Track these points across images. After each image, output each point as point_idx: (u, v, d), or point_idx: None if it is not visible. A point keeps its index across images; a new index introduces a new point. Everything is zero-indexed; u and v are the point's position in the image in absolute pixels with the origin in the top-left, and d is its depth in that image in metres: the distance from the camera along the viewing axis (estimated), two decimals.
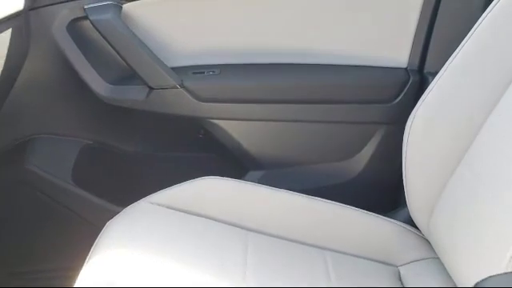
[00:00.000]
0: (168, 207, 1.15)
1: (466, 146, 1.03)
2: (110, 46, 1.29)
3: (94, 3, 1.26)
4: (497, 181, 0.93)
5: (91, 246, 1.07)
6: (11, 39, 1.17)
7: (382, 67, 1.34)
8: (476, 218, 0.93)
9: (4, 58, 1.16)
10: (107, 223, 1.11)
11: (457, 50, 1.06)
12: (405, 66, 1.33)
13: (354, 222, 1.20)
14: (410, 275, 1.09)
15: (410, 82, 1.30)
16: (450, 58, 1.06)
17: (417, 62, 1.33)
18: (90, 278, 0.94)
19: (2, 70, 1.15)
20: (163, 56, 1.34)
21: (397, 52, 1.33)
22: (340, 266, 1.09)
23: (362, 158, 1.41)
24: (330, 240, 1.15)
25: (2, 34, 1.12)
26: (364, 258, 1.14)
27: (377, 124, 1.36)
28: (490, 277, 0.68)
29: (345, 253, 1.13)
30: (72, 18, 1.29)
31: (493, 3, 1.02)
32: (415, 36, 1.31)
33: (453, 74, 1.07)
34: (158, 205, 1.14)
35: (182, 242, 1.04)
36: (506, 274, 0.76)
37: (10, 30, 1.14)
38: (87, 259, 1.01)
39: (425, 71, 1.30)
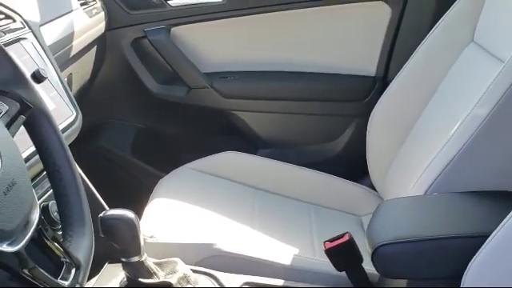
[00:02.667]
0: (200, 171, 1.50)
1: (409, 129, 1.37)
2: (161, 57, 1.68)
3: (151, 27, 1.66)
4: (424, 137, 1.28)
5: (144, 198, 1.37)
6: (96, 53, 1.58)
7: (357, 75, 1.68)
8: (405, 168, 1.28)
9: (92, 65, 1.57)
10: (159, 181, 1.46)
11: (406, 63, 1.41)
12: (373, 75, 1.67)
13: (332, 185, 1.53)
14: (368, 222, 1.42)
15: (376, 86, 1.64)
16: (401, 69, 1.42)
17: (382, 72, 1.66)
18: (151, 221, 1.24)
19: (90, 74, 1.57)
20: (199, 65, 1.71)
21: (367, 65, 1.67)
22: (319, 215, 1.43)
23: (341, 140, 1.74)
24: (314, 197, 1.48)
25: (89, 53, 1.53)
26: (337, 210, 1.47)
27: (352, 116, 1.70)
28: (386, 201, 1.02)
29: (323, 206, 1.47)
30: (135, 37, 1.68)
31: (432, 29, 1.38)
32: (381, 53, 1.65)
33: (401, 81, 1.42)
34: (194, 170, 1.49)
35: (212, 196, 1.39)
36: (398, 198, 1.08)
37: (95, 47, 1.56)
38: (147, 207, 1.32)
39: (388, 78, 1.62)
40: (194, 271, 1.08)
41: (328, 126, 1.74)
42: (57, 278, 0.59)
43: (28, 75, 0.75)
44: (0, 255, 0.53)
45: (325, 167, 1.58)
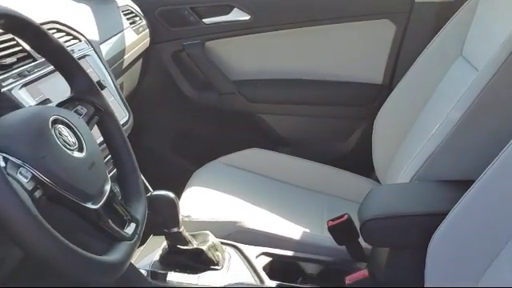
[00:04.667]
0: (229, 165, 1.68)
1: (407, 131, 1.53)
2: (196, 67, 1.89)
3: (188, 42, 1.87)
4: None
5: (180, 187, 1.52)
6: (142, 64, 1.81)
7: (365, 83, 1.85)
8: (401, 163, 1.42)
9: (138, 75, 1.80)
10: (194, 173, 1.65)
11: (406, 73, 1.58)
12: (380, 83, 1.84)
13: (342, 178, 1.70)
14: None
15: (382, 93, 1.78)
16: (402, 78, 1.59)
17: (388, 80, 1.83)
18: (187, 204, 1.41)
19: (137, 82, 1.80)
20: (228, 73, 1.91)
21: (375, 74, 1.84)
22: (330, 203, 1.59)
23: (351, 140, 1.91)
24: (325, 188, 1.65)
25: (136, 64, 1.76)
26: (345, 199, 1.61)
27: (361, 119, 1.87)
28: (375, 187, 1.20)
29: (334, 196, 1.63)
30: (174, 50, 1.90)
31: (429, 43, 1.53)
32: (387, 63, 1.82)
33: (402, 89, 1.60)
34: (223, 163, 1.69)
35: (238, 185, 1.58)
36: (386, 185, 1.24)
37: (141, 59, 1.80)
38: (183, 194, 1.49)
39: (392, 86, 1.74)
40: (222, 243, 1.31)
41: (340, 127, 1.91)
42: (122, 230, 0.83)
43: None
44: (87, 210, 0.76)
45: (336, 163, 1.74)
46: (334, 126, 1.92)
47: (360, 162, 1.74)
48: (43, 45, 0.89)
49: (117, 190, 0.92)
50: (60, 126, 0.79)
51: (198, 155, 1.78)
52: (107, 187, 0.83)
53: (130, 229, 0.84)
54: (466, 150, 1.17)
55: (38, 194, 0.69)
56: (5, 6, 0.81)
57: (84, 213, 0.76)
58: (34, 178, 0.70)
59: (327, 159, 1.78)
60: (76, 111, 0.89)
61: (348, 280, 1.09)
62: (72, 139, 0.80)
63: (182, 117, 2.01)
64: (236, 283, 1.14)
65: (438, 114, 1.40)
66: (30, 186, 0.69)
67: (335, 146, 1.93)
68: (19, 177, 0.68)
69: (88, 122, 0.89)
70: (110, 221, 0.80)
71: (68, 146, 0.78)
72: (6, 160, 0.69)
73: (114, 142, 0.95)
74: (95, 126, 0.94)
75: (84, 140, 0.82)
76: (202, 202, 1.47)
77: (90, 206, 0.77)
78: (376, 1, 1.79)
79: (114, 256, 0.76)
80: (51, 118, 0.78)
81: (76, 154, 0.79)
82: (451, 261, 0.97)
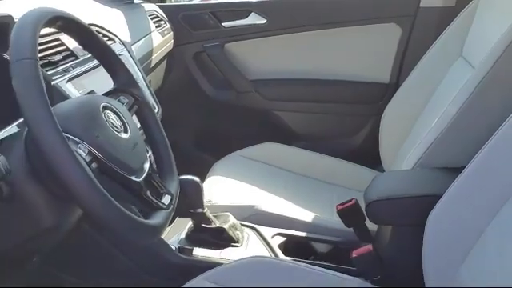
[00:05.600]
0: (246, 157, 1.80)
1: (411, 126, 1.64)
2: (216, 67, 2.03)
3: (208, 44, 2.01)
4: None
5: (202, 177, 1.53)
6: (166, 64, 1.95)
7: (373, 82, 1.98)
8: (405, 155, 1.51)
9: (163, 74, 1.94)
10: (214, 164, 1.76)
11: (411, 73, 1.68)
12: (387, 82, 1.96)
13: (351, 170, 1.80)
14: None
15: (389, 91, 1.91)
16: (407, 78, 1.69)
17: (394, 79, 1.95)
18: (208, 190, 1.51)
19: (162, 80, 1.93)
20: (245, 73, 2.04)
21: (382, 74, 1.96)
22: (340, 192, 1.69)
23: (360, 135, 2.03)
24: (336, 179, 1.76)
25: (161, 64, 1.90)
26: (354, 189, 1.70)
27: (369, 116, 1.99)
28: (380, 174, 1.32)
29: (343, 186, 1.74)
30: (196, 51, 2.03)
31: (432, 45, 1.64)
32: (393, 64, 1.94)
33: (406, 87, 1.70)
34: (241, 156, 1.80)
35: (254, 175, 1.69)
36: (390, 171, 1.35)
37: (166, 59, 1.93)
38: (205, 182, 1.59)
39: (398, 85, 1.81)
40: (241, 225, 1.44)
41: (349, 123, 2.03)
42: (159, 201, 0.96)
43: None
44: (131, 182, 0.90)
45: (346, 156, 1.85)
46: (343, 122, 2.04)
47: (368, 155, 1.84)
48: (91, 43, 1.03)
49: (154, 168, 1.05)
50: (108, 111, 0.93)
51: (218, 148, 1.90)
52: (147, 165, 0.96)
53: (165, 200, 0.97)
54: (462, 140, 1.27)
55: (93, 166, 0.83)
56: (60, 9, 0.95)
57: (129, 184, 0.90)
58: (89, 153, 0.84)
59: (337, 153, 1.89)
60: (119, 100, 1.02)
61: (354, 253, 1.20)
62: (118, 123, 0.93)
63: (203, 113, 2.14)
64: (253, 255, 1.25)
65: (438, 110, 1.48)
66: (87, 159, 0.82)
67: (345, 141, 2.05)
68: (79, 151, 0.82)
69: (129, 110, 1.03)
70: (149, 192, 0.93)
71: (115, 129, 0.91)
72: (67, 138, 0.82)
73: (151, 128, 1.09)
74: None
75: (128, 124, 0.96)
76: (222, 190, 1.59)
77: (133, 178, 0.90)
78: (383, 6, 1.92)
79: (154, 221, 0.90)
80: (101, 105, 0.92)
81: (122, 135, 0.92)
82: (444, 237, 1.08)
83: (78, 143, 0.83)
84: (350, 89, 2.00)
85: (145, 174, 0.94)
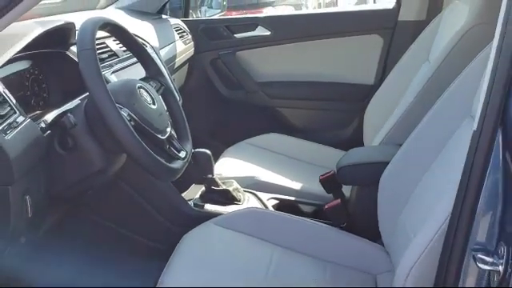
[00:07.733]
0: (253, 145, 2.09)
1: (388, 116, 1.94)
2: (229, 72, 2.38)
3: (223, 52, 2.36)
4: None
5: (215, 159, 1.97)
6: (188, 68, 2.32)
7: (360, 84, 2.30)
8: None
9: (185, 76, 2.31)
10: (225, 150, 2.05)
11: (388, 75, 2.01)
12: (372, 83, 2.28)
13: (338, 156, 2.12)
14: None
15: (374, 91, 2.13)
16: (385, 80, 2.03)
17: (378, 81, 2.25)
18: (218, 167, 1.93)
19: (183, 82, 2.30)
20: (254, 76, 2.38)
21: (367, 77, 2.29)
22: (325, 171, 2.05)
23: (350, 128, 2.35)
24: (325, 162, 1.97)
25: (183, 67, 2.26)
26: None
27: (356, 111, 2.28)
28: (352, 149, 1.66)
29: (330, 168, 1.93)
30: (212, 58, 2.39)
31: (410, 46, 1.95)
32: (377, 68, 2.27)
33: (383, 87, 2.02)
34: (248, 144, 2.10)
35: (259, 159, 1.98)
36: (360, 147, 1.68)
37: (187, 64, 2.30)
38: (217, 164, 1.99)
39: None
40: (243, 190, 1.78)
41: (340, 118, 2.36)
42: (178, 154, 1.31)
43: None
44: (158, 139, 1.25)
45: (338, 145, 2.15)
46: (335, 117, 2.37)
47: (356, 142, 2.09)
48: (131, 43, 1.40)
49: (173, 132, 1.41)
50: (142, 90, 1.29)
51: (229, 138, 2.21)
52: (169, 129, 1.32)
53: (182, 153, 1.33)
54: (415, 123, 1.60)
55: (131, 124, 1.19)
56: (109, 17, 1.32)
57: (155, 140, 1.25)
58: (129, 115, 1.20)
59: (331, 142, 2.20)
60: (149, 84, 1.39)
61: (327, 206, 1.54)
62: (149, 98, 1.30)
63: (217, 109, 2.48)
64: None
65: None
66: (127, 119, 1.18)
67: (336, 133, 2.37)
68: (122, 113, 1.18)
69: (157, 91, 1.39)
70: (170, 147, 1.29)
71: (147, 101, 1.28)
72: None
73: (172, 107, 1.45)
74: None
75: (155, 100, 1.32)
76: (230, 166, 1.92)
77: (159, 136, 1.26)
78: (368, 20, 2.29)
79: (174, 165, 1.25)
80: (137, 85, 1.29)
81: (152, 106, 1.28)
82: (390, 192, 1.40)
83: (121, 108, 1.19)
84: (341, 89, 2.33)
85: (167, 135, 1.30)
